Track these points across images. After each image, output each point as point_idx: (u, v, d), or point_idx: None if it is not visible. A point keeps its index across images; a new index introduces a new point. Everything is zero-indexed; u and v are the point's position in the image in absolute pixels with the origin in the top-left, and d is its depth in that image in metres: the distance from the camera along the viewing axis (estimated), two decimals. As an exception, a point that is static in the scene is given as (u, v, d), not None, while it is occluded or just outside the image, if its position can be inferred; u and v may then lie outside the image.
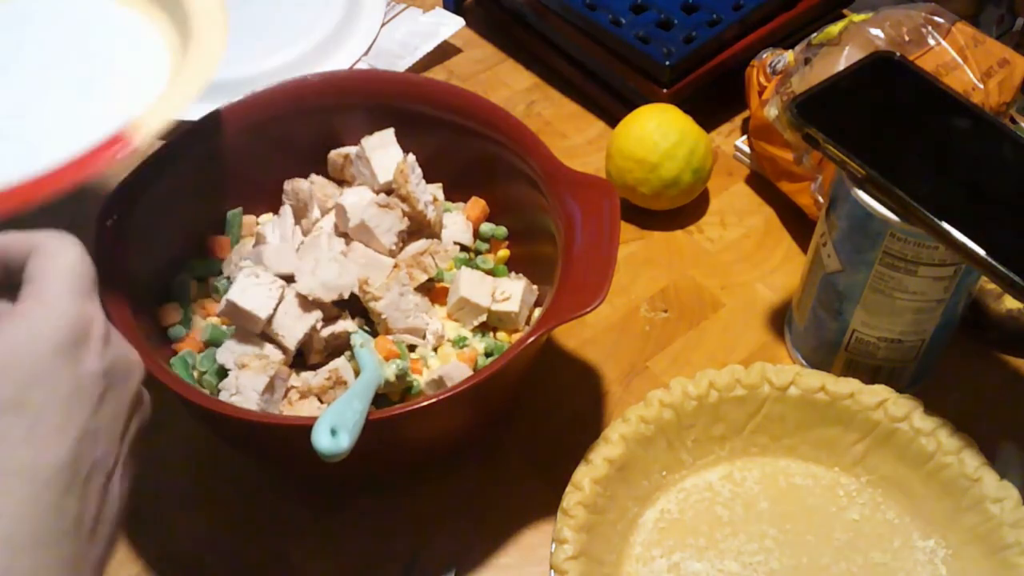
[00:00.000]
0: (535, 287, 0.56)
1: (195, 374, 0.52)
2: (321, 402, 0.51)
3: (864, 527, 0.51)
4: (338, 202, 0.56)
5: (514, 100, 0.77)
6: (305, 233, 0.58)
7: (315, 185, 0.59)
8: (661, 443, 0.51)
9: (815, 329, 0.56)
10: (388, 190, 0.58)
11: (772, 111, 0.63)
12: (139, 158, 0.53)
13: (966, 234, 0.45)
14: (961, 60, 0.59)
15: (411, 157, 0.57)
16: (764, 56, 0.68)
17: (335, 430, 0.41)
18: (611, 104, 0.74)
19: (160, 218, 0.55)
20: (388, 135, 0.59)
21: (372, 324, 0.54)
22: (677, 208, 0.67)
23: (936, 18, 0.60)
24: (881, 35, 0.59)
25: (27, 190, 0.43)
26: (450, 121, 0.59)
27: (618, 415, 0.51)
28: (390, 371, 0.50)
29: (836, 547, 0.50)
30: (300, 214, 0.58)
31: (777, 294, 0.63)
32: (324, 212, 0.59)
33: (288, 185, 0.58)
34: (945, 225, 0.45)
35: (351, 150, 0.60)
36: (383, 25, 0.81)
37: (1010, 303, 0.58)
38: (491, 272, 0.58)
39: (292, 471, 0.54)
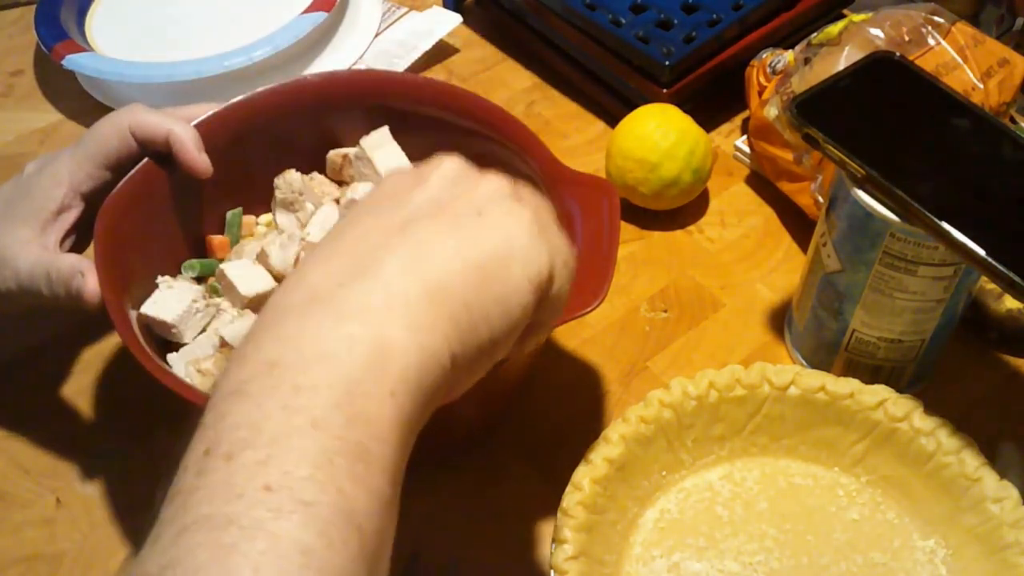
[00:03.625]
0: (535, 287, 0.56)
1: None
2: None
3: (864, 527, 0.50)
4: (352, 197, 0.56)
5: (514, 100, 0.77)
6: (302, 226, 0.58)
7: (314, 182, 0.60)
8: (661, 443, 0.51)
9: (815, 329, 0.56)
10: None
11: (772, 111, 0.63)
12: (139, 158, 0.53)
13: (966, 234, 0.45)
14: (961, 60, 0.59)
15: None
16: (764, 56, 0.68)
17: None
18: (611, 104, 0.74)
19: (160, 218, 0.55)
20: (384, 133, 0.59)
21: None
22: (677, 208, 0.67)
23: (936, 18, 0.60)
24: (881, 35, 0.59)
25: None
26: (449, 121, 0.59)
27: (618, 415, 0.51)
28: None
29: (836, 547, 0.50)
30: (291, 206, 0.58)
31: (777, 294, 0.63)
32: (317, 206, 0.59)
33: (280, 179, 0.59)
34: (945, 225, 0.45)
35: (350, 151, 0.60)
36: (383, 29, 0.81)
37: (1010, 303, 0.58)
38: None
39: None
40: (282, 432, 0.28)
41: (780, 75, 0.65)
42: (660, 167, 0.64)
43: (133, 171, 0.53)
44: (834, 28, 0.61)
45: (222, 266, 0.55)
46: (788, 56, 0.65)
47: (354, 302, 0.31)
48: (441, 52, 0.81)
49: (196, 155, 0.52)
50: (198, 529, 0.26)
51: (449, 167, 0.37)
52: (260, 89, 0.59)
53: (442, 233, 0.34)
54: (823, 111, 0.49)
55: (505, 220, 0.35)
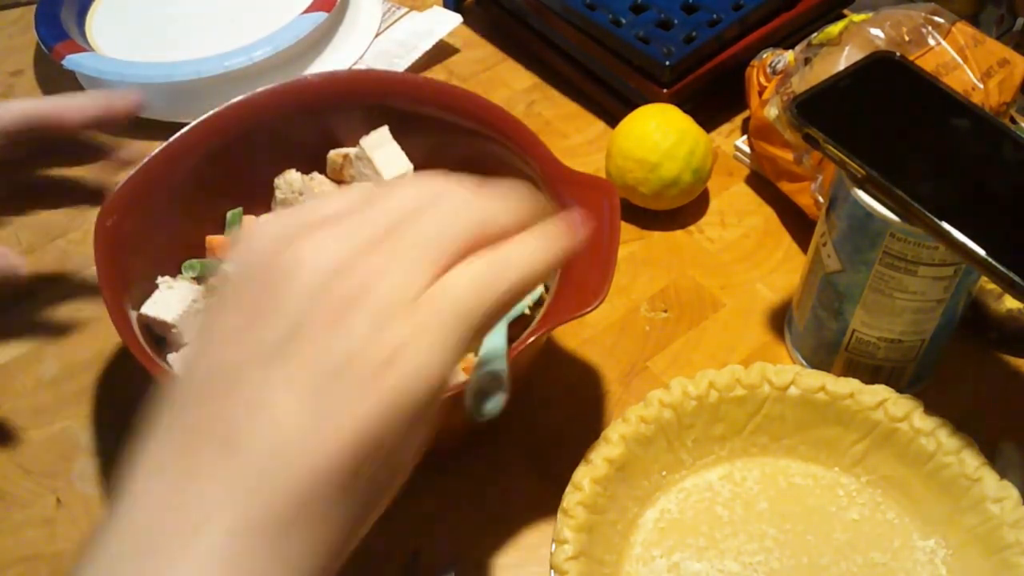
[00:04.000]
0: (535, 287, 0.56)
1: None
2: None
3: (864, 527, 0.51)
4: None
5: (514, 100, 0.77)
6: None
7: (314, 182, 0.60)
8: (661, 443, 0.51)
9: (815, 329, 0.56)
10: None
11: (772, 111, 0.63)
12: (139, 158, 0.53)
13: (966, 234, 0.45)
14: (961, 60, 0.59)
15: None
16: (764, 56, 0.68)
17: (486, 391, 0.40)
18: (611, 104, 0.74)
19: (160, 218, 0.55)
20: (384, 133, 0.59)
21: None
22: (677, 208, 0.67)
23: (936, 18, 0.60)
24: (881, 35, 0.59)
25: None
26: (449, 121, 0.59)
27: (618, 415, 0.51)
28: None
29: (836, 547, 0.50)
30: (291, 206, 0.58)
31: (777, 294, 0.63)
32: None
33: (280, 178, 0.59)
34: (945, 225, 0.45)
35: (350, 151, 0.60)
36: (383, 29, 0.81)
37: (1010, 303, 0.58)
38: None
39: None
40: None
41: (780, 75, 0.65)
42: (660, 167, 0.64)
43: (133, 171, 0.53)
44: (834, 28, 0.61)
45: (222, 266, 0.55)
46: (788, 56, 0.65)
47: (201, 548, 0.27)
48: (441, 52, 0.81)
49: (114, 100, 0.50)
50: None
51: (323, 255, 0.28)
52: (260, 89, 0.59)
53: (301, 405, 0.27)
54: (823, 111, 0.49)
55: (390, 367, 0.28)
